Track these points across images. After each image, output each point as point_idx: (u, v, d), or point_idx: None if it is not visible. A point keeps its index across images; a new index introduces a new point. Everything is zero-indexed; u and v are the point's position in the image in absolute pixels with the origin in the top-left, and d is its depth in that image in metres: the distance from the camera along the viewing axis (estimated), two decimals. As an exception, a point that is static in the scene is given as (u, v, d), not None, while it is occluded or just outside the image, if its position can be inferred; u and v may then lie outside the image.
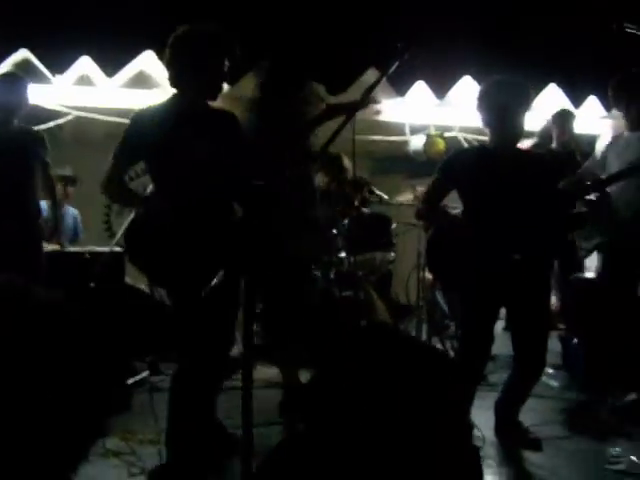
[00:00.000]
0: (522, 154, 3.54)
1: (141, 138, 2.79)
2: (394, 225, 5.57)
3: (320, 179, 4.82)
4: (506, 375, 3.55)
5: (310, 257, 4.09)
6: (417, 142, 6.09)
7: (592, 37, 5.71)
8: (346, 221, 5.21)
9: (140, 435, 3.25)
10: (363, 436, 0.98)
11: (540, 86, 5.95)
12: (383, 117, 5.90)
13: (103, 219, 4.32)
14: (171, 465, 2.83)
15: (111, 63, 5.33)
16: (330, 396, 1.03)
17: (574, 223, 3.52)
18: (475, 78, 5.76)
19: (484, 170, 3.25)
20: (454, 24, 5.70)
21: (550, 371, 4.40)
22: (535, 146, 5.33)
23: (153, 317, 4.27)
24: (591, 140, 5.77)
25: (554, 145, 5.33)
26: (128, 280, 4.72)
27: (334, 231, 5.02)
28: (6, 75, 4.27)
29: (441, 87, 5.99)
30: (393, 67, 2.35)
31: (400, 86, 5.87)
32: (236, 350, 3.29)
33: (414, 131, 6.22)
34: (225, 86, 3.00)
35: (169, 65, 2.89)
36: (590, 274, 4.65)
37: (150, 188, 3.40)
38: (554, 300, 4.81)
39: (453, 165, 3.37)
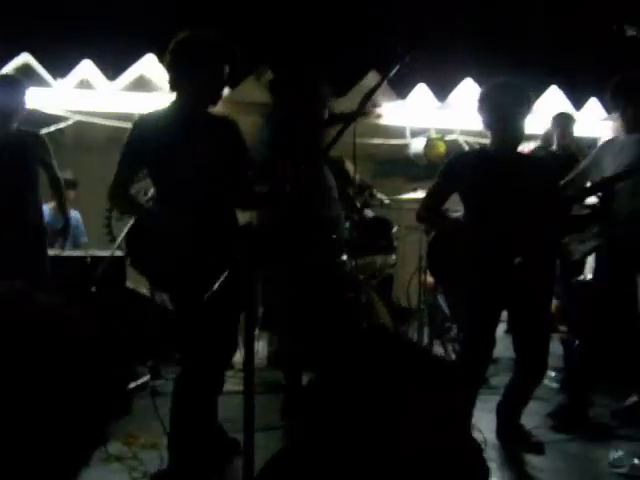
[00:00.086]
0: (522, 157, 3.54)
1: (144, 142, 2.80)
2: (395, 228, 5.57)
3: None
4: (508, 378, 3.55)
5: (325, 258, 4.00)
6: (418, 145, 6.10)
7: (593, 39, 5.72)
8: (347, 224, 5.20)
9: (142, 439, 3.25)
10: (364, 439, 0.97)
11: (541, 88, 5.94)
12: (384, 120, 5.91)
13: (104, 223, 4.32)
14: (173, 469, 2.82)
15: (112, 67, 5.32)
16: (330, 399, 1.03)
17: (573, 225, 3.51)
18: (476, 81, 5.75)
19: (485, 173, 3.25)
20: (455, 26, 5.69)
21: (552, 374, 4.40)
22: (538, 149, 5.33)
23: (154, 321, 4.26)
24: (592, 142, 5.79)
25: (554, 147, 5.33)
26: (129, 284, 4.71)
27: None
28: (3, 78, 4.23)
29: (442, 90, 5.97)
30: (394, 70, 2.34)
31: (401, 89, 5.86)
32: (239, 355, 3.28)
33: (415, 134, 6.22)
34: (226, 90, 3.00)
35: (169, 70, 2.90)
36: (591, 276, 4.65)
37: (151, 192, 3.40)
38: (555, 302, 4.80)
39: (454, 168, 3.37)
